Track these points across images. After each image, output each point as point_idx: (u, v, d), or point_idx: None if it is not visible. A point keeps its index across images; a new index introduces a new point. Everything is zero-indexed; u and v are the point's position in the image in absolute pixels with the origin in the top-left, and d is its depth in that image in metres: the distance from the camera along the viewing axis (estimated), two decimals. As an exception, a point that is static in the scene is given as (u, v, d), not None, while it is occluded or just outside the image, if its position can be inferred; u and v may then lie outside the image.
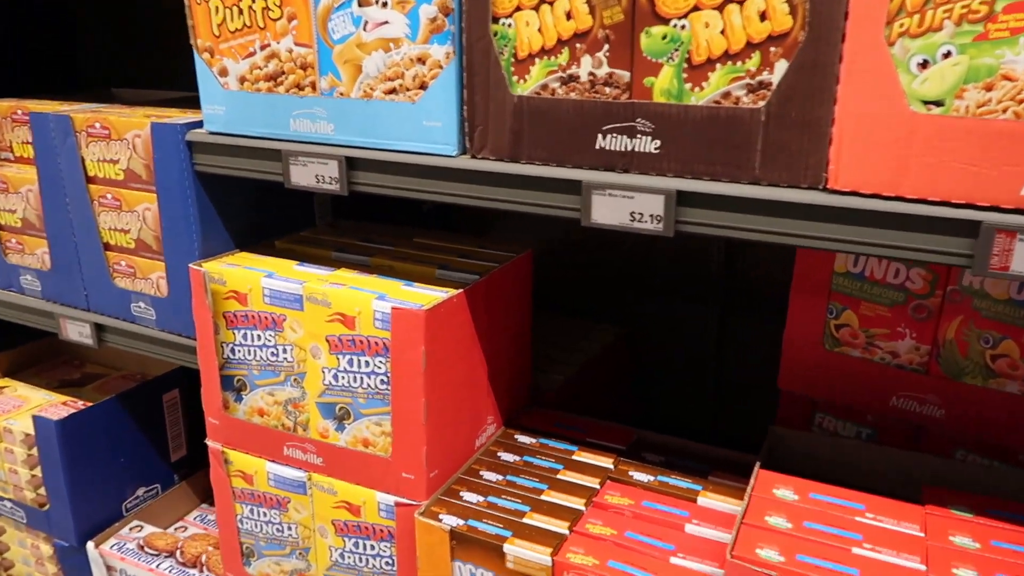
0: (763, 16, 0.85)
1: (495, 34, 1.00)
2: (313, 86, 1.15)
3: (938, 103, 0.80)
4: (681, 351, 1.85)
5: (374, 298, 1.20)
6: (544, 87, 0.99)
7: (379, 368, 1.23)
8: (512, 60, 1.00)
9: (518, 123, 1.02)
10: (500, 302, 1.38)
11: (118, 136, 1.37)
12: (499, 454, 1.39)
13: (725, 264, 1.75)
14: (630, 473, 1.33)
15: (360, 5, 1.07)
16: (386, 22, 1.06)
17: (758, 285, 1.73)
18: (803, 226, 0.89)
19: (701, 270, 1.77)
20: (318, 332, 1.26)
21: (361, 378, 1.25)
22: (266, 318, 1.31)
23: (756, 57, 0.87)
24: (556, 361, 1.69)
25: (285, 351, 1.31)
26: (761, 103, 0.88)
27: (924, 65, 0.80)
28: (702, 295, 1.79)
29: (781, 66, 0.86)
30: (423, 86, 1.07)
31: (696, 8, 0.88)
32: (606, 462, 1.36)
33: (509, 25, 0.99)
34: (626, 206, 0.97)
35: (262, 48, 1.16)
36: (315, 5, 1.10)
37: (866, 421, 1.42)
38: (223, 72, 1.21)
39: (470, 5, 1.00)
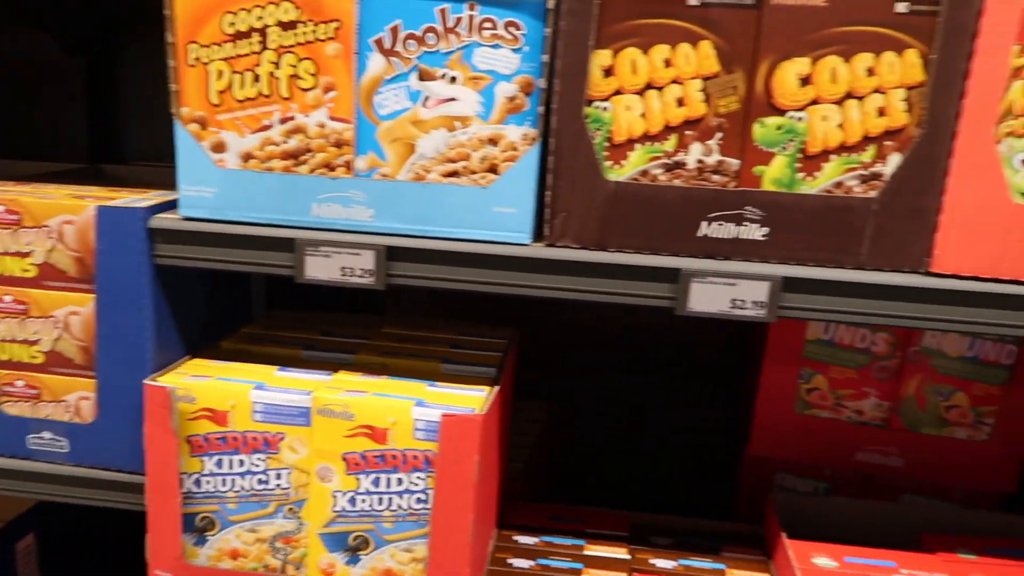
0: (881, 112, 0.90)
1: (586, 117, 0.94)
2: (347, 166, 0.99)
3: (1035, 195, 0.90)
4: (604, 419, 1.85)
5: (413, 405, 1.05)
6: (644, 173, 0.95)
7: (415, 485, 1.07)
8: (606, 144, 0.95)
9: (610, 210, 0.96)
10: (506, 395, 1.28)
11: (34, 222, 1.06)
12: (510, 561, 1.27)
13: (657, 331, 1.79)
14: (651, 561, 1.28)
15: (421, 79, 0.95)
16: (453, 99, 0.96)
17: (684, 352, 1.79)
18: (906, 308, 0.94)
19: (625, 338, 1.80)
20: (331, 450, 1.07)
21: (390, 499, 1.08)
22: (254, 439, 1.08)
23: (872, 150, 0.91)
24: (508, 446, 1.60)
25: (279, 477, 1.09)
26: (873, 192, 0.92)
27: (1025, 162, 0.89)
28: (627, 363, 1.81)
29: (895, 159, 0.91)
30: (493, 169, 0.97)
31: (815, 102, 0.90)
32: (620, 553, 1.30)
33: (605, 109, 0.94)
34: (727, 293, 0.96)
35: (283, 121, 0.98)
36: (359, 75, 0.96)
37: (823, 476, 1.51)
38: (218, 147, 1.00)
39: (563, 86, 0.93)
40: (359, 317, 1.42)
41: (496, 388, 1.13)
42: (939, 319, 0.94)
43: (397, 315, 1.79)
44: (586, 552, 1.31)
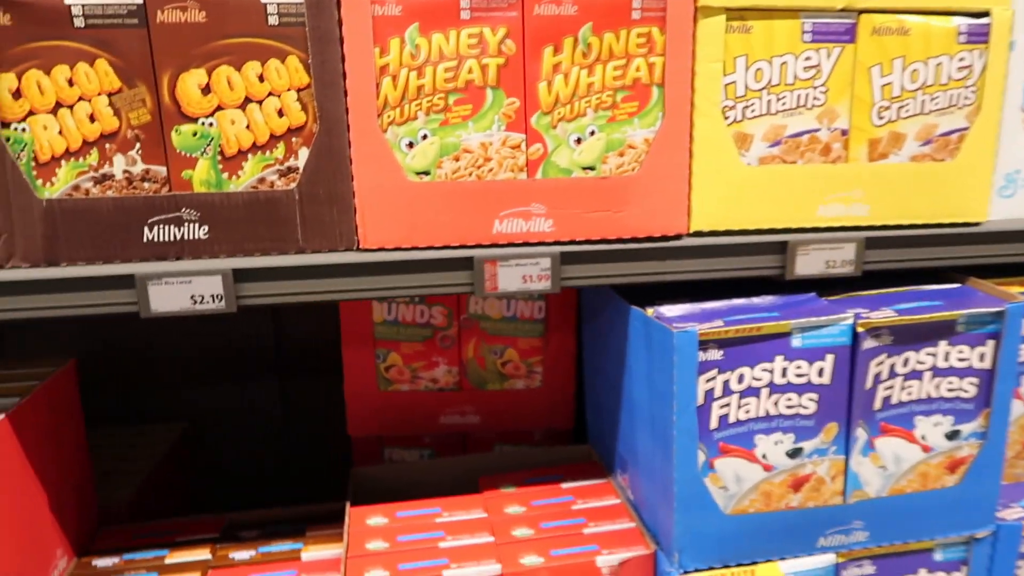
0: (280, 113, 1.01)
1: (8, 139, 0.97)
2: None
3: (426, 172, 1.05)
4: (250, 429, 1.89)
5: None
6: (76, 188, 1.00)
7: (-93, 529, 1.04)
8: (33, 164, 0.99)
9: (51, 227, 1.00)
10: (50, 422, 1.27)
11: None
12: (79, 586, 1.27)
13: (275, 336, 1.85)
14: (230, 556, 1.34)
15: None
16: None
17: (310, 348, 1.87)
18: (345, 283, 1.06)
19: (254, 347, 1.84)
20: None
21: None
22: None
23: (281, 147, 1.02)
24: (119, 474, 1.59)
25: None
26: (293, 185, 1.03)
27: (411, 145, 1.04)
28: (259, 371, 1.86)
29: (304, 153, 1.03)
30: (-79, 200, 0.98)
31: (220, 108, 0.99)
32: (202, 554, 1.34)
33: (23, 130, 0.97)
34: (185, 291, 1.03)
35: None
36: None
37: (424, 443, 1.65)
38: None
39: (-28, 112, 0.95)
40: None
41: (2, 418, 1.13)
42: (374, 288, 1.07)
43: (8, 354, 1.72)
44: (167, 561, 1.33)
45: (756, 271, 1.15)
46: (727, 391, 1.10)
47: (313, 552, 1.33)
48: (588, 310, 1.48)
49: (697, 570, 1.15)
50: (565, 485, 1.41)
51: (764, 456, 1.12)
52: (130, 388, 1.82)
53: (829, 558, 1.17)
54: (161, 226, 1.02)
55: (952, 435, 1.17)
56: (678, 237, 1.13)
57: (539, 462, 1.51)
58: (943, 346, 1.14)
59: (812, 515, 1.15)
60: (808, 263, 1.15)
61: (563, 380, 1.60)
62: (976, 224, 1.21)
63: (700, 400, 1.09)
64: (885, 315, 1.11)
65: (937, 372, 1.15)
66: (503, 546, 1.22)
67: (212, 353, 1.84)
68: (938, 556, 1.22)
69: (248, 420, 1.88)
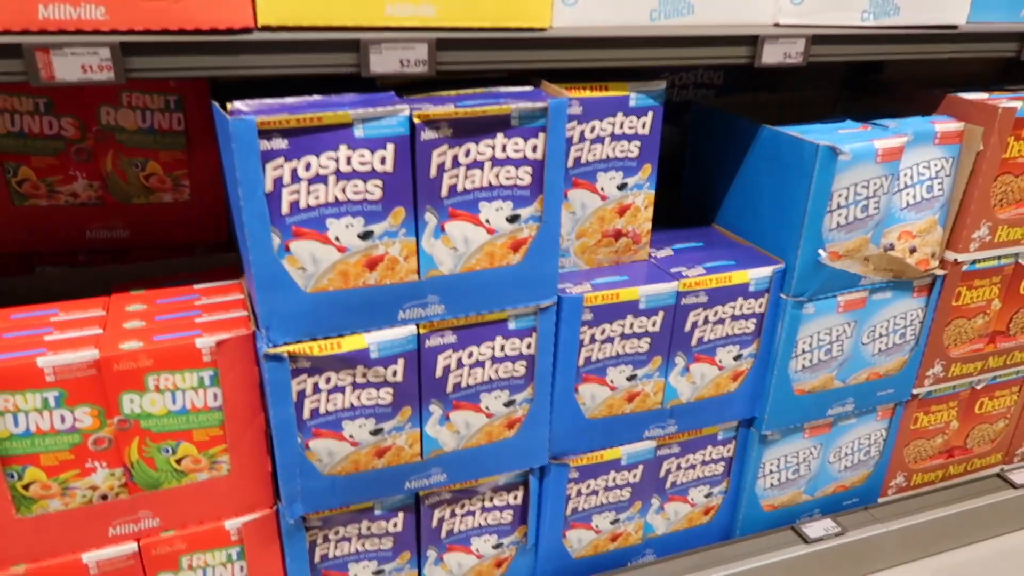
0: None
1: None
2: None
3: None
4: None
5: None
6: None
7: None
8: None
9: None
10: None
11: None
12: None
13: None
14: None
15: None
16: None
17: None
18: None
19: None
20: None
21: None
22: None
23: None
24: None
25: None
26: None
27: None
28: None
29: None
30: None
31: None
32: None
33: None
34: None
35: None
36: None
37: (79, 262, 1.66)
38: None
39: None
40: None
41: None
42: (-92, 73, 1.03)
43: None
44: None
45: (333, 68, 1.22)
46: (296, 179, 1.19)
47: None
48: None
49: (287, 343, 1.28)
50: (197, 286, 1.48)
51: (337, 238, 1.24)
52: None
53: (410, 329, 1.34)
54: None
55: (513, 219, 1.34)
56: (247, 31, 1.17)
57: (186, 270, 1.57)
58: (500, 138, 1.29)
59: (389, 291, 1.30)
60: (383, 61, 1.23)
61: (212, 192, 1.64)
62: (543, 30, 1.34)
63: (269, 187, 1.18)
64: (442, 108, 1.23)
65: (496, 162, 1.30)
66: (108, 337, 1.29)
67: None
68: (512, 325, 1.43)
69: None
